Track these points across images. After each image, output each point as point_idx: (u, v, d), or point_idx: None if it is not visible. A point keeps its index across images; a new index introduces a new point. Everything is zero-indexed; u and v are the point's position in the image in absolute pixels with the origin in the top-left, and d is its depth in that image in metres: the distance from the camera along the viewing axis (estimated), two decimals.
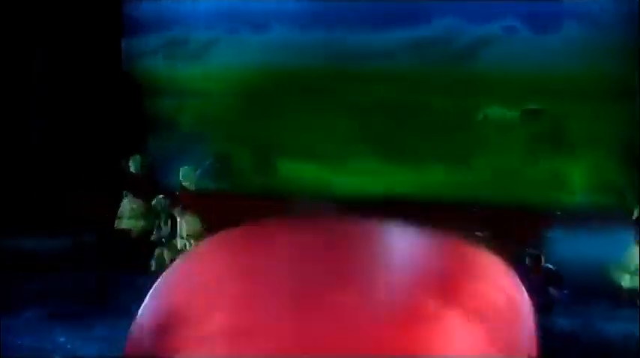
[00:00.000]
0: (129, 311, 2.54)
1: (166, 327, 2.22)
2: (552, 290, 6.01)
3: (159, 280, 2.59)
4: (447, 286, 2.28)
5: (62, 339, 5.11)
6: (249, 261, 2.53)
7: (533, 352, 2.42)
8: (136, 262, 6.74)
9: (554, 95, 7.67)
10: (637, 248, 6.45)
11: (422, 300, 2.15)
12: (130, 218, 7.57)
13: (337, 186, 8.11)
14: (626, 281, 6.38)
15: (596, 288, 6.27)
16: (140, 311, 2.46)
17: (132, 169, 7.77)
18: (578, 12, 7.56)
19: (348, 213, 6.40)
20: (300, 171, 8.29)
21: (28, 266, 6.70)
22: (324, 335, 1.99)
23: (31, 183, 8.29)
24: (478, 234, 6.68)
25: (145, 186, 7.67)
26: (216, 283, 2.38)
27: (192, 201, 7.28)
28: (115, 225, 7.57)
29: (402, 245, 2.89)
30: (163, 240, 7.15)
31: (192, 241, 6.90)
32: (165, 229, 7.22)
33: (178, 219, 7.13)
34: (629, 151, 7.91)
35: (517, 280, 2.67)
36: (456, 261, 2.59)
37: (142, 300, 2.48)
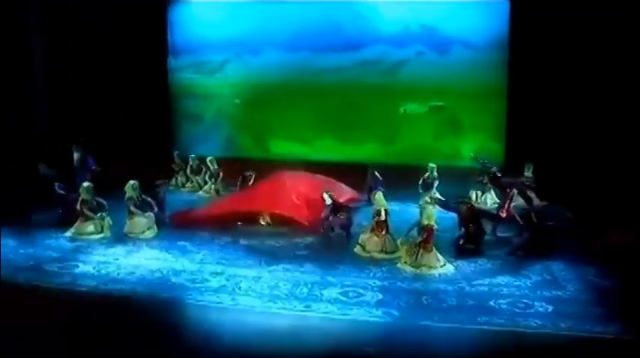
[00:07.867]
0: None
1: None
2: None
3: None
4: None
5: None
6: None
7: None
8: None
9: (451, 95, 11.53)
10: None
11: None
12: None
13: (308, 157, 12.04)
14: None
15: None
16: None
17: None
18: (462, 40, 11.45)
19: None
20: (283, 147, 12.34)
21: None
22: None
23: None
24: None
25: None
26: None
27: None
28: None
29: None
30: None
31: None
32: None
33: None
34: (499, 133, 11.65)
35: None
36: None
37: None
